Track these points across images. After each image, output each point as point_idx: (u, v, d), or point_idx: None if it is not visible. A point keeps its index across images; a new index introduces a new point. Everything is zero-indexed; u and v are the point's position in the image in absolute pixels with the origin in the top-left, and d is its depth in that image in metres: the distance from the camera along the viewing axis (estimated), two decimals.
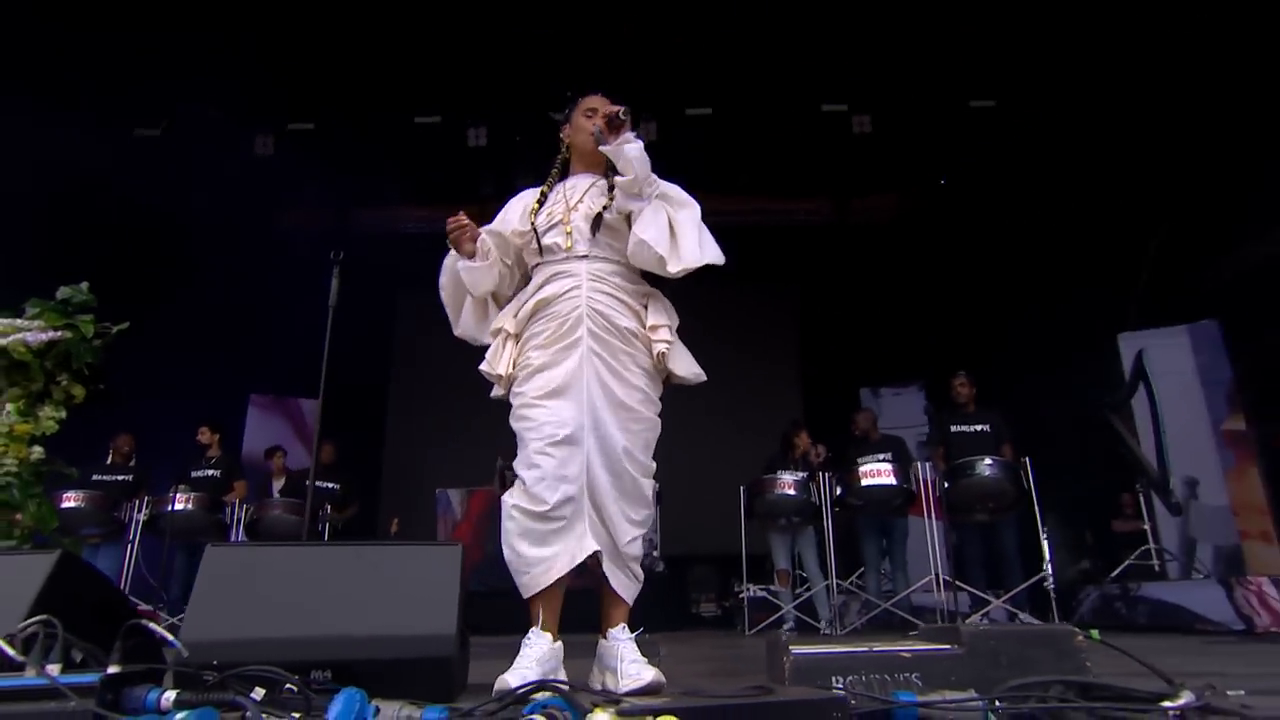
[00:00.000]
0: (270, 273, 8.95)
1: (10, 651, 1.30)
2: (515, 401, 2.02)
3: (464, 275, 2.13)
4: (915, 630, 4.44)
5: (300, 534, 5.23)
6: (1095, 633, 1.33)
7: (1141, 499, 5.63)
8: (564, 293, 2.03)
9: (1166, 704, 1.13)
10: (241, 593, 1.68)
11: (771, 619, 5.08)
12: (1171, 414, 6.13)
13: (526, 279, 2.18)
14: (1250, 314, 6.45)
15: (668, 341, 2.04)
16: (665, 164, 7.69)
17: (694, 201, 2.09)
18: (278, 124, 7.93)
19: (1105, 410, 5.91)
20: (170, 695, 1.32)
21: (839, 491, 4.89)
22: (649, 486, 1.98)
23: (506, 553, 1.90)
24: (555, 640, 1.84)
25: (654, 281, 2.16)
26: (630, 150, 1.99)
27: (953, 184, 8.49)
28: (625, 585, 1.92)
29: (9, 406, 2.49)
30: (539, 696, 1.16)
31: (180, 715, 1.19)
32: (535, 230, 2.11)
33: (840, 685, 1.25)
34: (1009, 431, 4.96)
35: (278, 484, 6.14)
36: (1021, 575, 4.67)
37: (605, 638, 1.89)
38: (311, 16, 6.74)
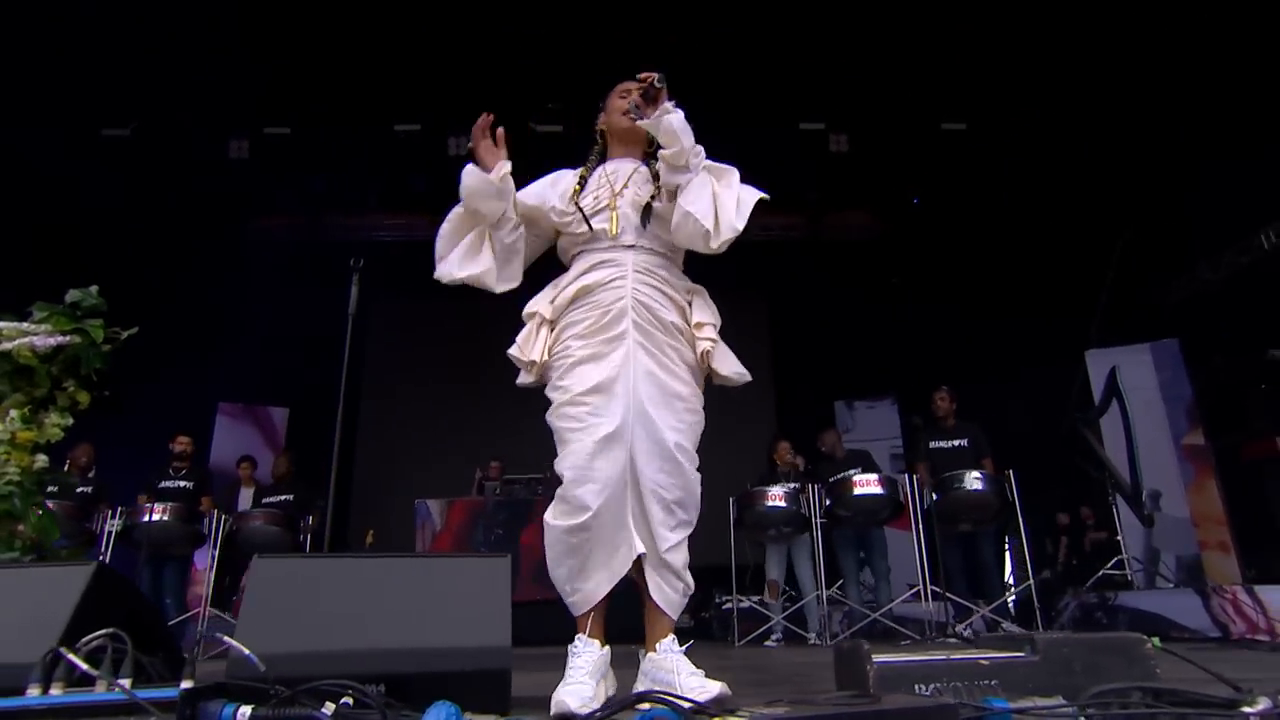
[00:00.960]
0: (240, 278, 8.76)
1: (84, 665, 1.26)
2: (556, 396, 1.91)
3: (473, 189, 1.99)
4: (905, 640, 4.55)
5: (280, 545, 5.12)
6: (1157, 640, 1.38)
7: (1115, 510, 5.81)
8: (608, 281, 1.92)
9: (1246, 709, 1.18)
10: (291, 605, 1.64)
11: (761, 630, 5.12)
12: (1137, 429, 6.36)
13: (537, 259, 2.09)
14: (1206, 333, 6.75)
15: (712, 340, 1.95)
16: None
17: (733, 168, 1.98)
18: (253, 128, 7.78)
19: (1078, 425, 6.10)
20: (246, 711, 1.29)
21: (827, 503, 4.96)
22: (697, 481, 1.88)
23: (550, 571, 1.84)
24: (603, 646, 1.78)
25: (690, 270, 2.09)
26: (673, 121, 1.86)
27: (925, 203, 8.71)
28: (667, 598, 1.81)
29: (13, 413, 2.40)
30: (643, 708, 1.16)
31: None
32: (582, 212, 1.98)
33: (925, 692, 1.27)
34: (989, 446, 5.10)
35: (246, 493, 5.99)
36: (1001, 585, 4.80)
37: (654, 650, 1.77)
38: (292, 20, 6.64)
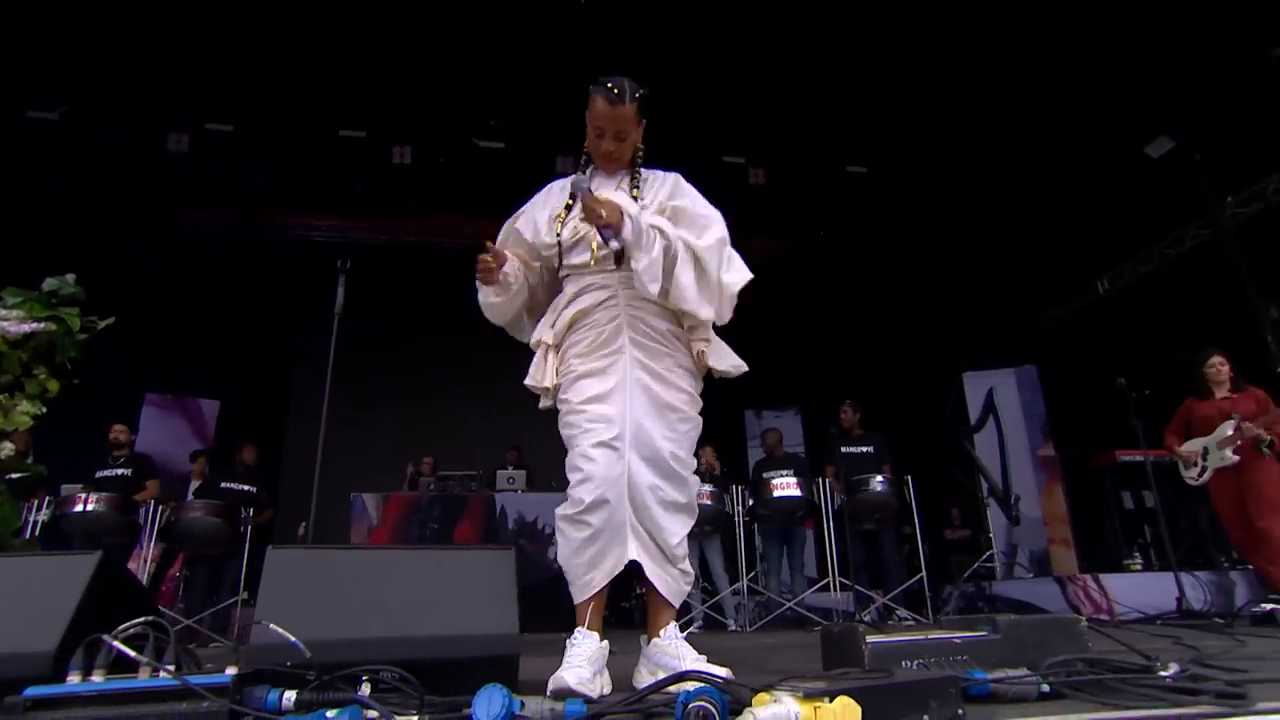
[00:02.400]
0: (170, 270, 8.20)
1: (131, 653, 1.18)
2: (561, 408, 1.91)
3: (488, 311, 2.07)
4: (817, 627, 4.73)
5: (220, 537, 4.83)
6: (1084, 621, 1.53)
7: (986, 511, 6.24)
8: (600, 303, 1.92)
9: (1162, 673, 1.34)
10: (306, 595, 1.59)
11: (682, 620, 5.19)
12: (992, 441, 6.88)
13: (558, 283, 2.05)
14: (1058, 360, 7.39)
15: (706, 340, 1.94)
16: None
17: (714, 231, 1.95)
18: (194, 122, 7.34)
19: (961, 438, 6.52)
20: (290, 696, 1.25)
21: (750, 502, 5.11)
22: (695, 484, 1.89)
23: (559, 559, 1.83)
24: (601, 639, 1.75)
25: None
26: (627, 238, 1.80)
27: (828, 235, 9.09)
28: (671, 588, 1.81)
29: None
30: (686, 687, 1.19)
31: (331, 714, 1.13)
32: (560, 245, 1.96)
33: (911, 667, 1.37)
34: (889, 453, 5.39)
35: (194, 485, 5.62)
36: (899, 577, 5.08)
37: (659, 636, 1.79)
38: (243, 20, 6.32)
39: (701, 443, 5.46)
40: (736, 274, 1.97)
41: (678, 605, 1.83)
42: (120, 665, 1.26)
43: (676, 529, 1.81)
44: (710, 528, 5.20)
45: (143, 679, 1.16)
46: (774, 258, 9.77)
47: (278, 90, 6.95)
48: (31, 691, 1.09)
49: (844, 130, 7.67)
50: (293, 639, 1.34)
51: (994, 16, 5.91)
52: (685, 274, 1.86)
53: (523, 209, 2.11)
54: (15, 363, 2.27)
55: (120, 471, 5.06)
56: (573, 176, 2.02)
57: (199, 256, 8.27)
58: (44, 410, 2.30)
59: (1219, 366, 4.12)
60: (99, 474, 4.97)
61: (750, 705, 1.11)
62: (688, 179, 2.11)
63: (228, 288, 8.48)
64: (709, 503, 5.02)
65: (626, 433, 1.81)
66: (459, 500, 6.30)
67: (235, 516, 4.91)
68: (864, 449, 5.33)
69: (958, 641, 1.42)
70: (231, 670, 1.21)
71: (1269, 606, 3.34)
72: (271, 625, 1.34)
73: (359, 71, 6.94)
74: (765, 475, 5.38)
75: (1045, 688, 1.29)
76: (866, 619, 4.69)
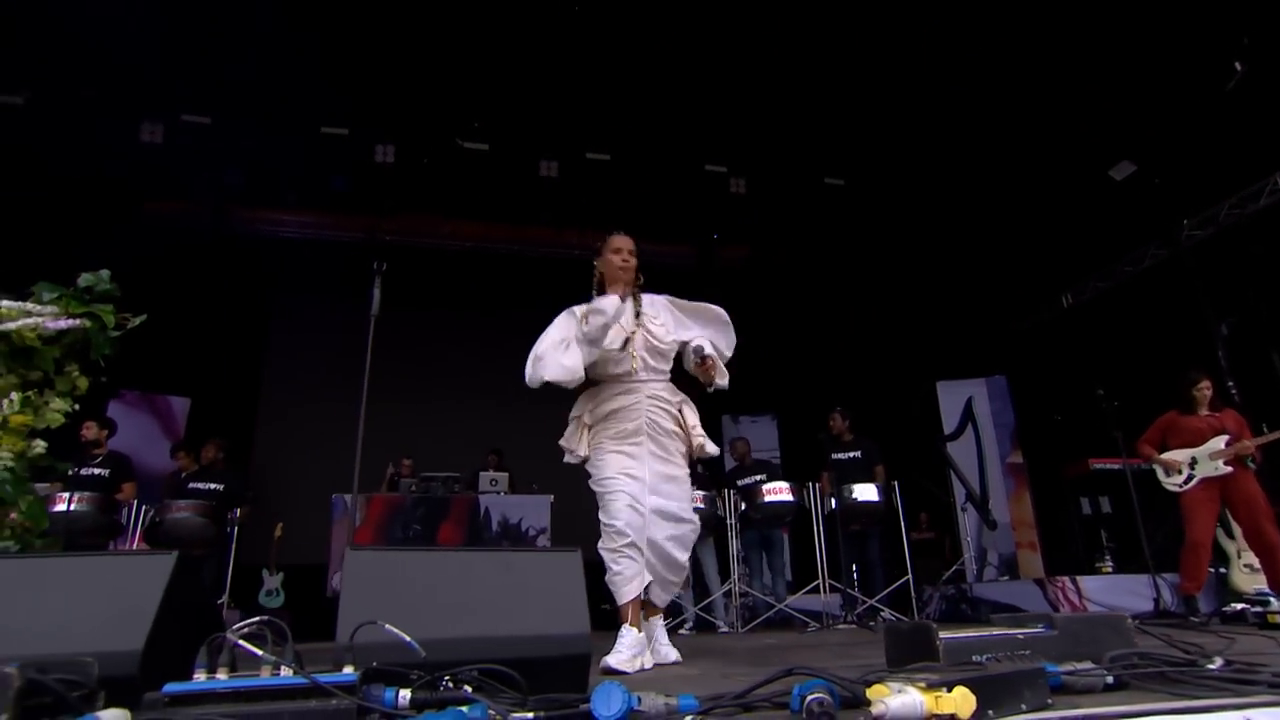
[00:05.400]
0: (138, 263, 7.93)
1: (259, 651, 1.20)
2: (594, 473, 2.66)
3: (565, 368, 2.60)
4: (808, 627, 4.85)
5: (205, 537, 4.72)
6: (1131, 619, 1.65)
7: (960, 516, 6.46)
8: (630, 405, 2.66)
9: (1209, 665, 1.46)
10: (386, 596, 1.60)
11: (675, 621, 5.28)
12: (969, 448, 7.12)
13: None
14: (1027, 371, 7.69)
15: (702, 435, 2.75)
16: (561, 201, 7.76)
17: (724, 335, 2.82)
18: (170, 113, 7.13)
19: (938, 445, 6.74)
20: (406, 694, 1.27)
21: (743, 507, 5.20)
22: (694, 522, 2.69)
23: (607, 580, 2.58)
24: (640, 631, 2.49)
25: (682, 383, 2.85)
26: (724, 383, 2.71)
27: (803, 244, 9.27)
28: (662, 598, 2.71)
29: (13, 395, 2.14)
30: (795, 681, 1.26)
31: (466, 709, 1.17)
32: (601, 363, 2.69)
33: (982, 660, 1.46)
34: (880, 457, 5.56)
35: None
36: (884, 580, 5.24)
37: (646, 622, 2.62)
38: (227, 11, 6.18)
39: None
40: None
41: (663, 606, 2.75)
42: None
43: (681, 553, 2.65)
44: (702, 531, 5.27)
45: (266, 677, 1.18)
46: (752, 265, 9.94)
47: (260, 84, 6.80)
48: (171, 688, 1.10)
49: (823, 143, 7.86)
50: (407, 639, 1.36)
51: (972, 43, 6.15)
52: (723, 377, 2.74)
53: (563, 324, 2.75)
54: (49, 359, 2.21)
55: (97, 472, 4.89)
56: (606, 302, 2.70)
57: (167, 250, 8.02)
58: (75, 408, 2.25)
59: (1206, 390, 4.48)
60: (77, 473, 4.79)
61: (867, 697, 1.18)
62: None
63: (198, 283, 8.26)
64: (702, 506, 5.10)
65: (646, 499, 2.58)
66: (442, 502, 6.27)
67: (220, 516, 4.80)
68: (853, 454, 5.48)
69: (1020, 637, 1.52)
70: (349, 669, 1.24)
71: (1239, 607, 3.58)
72: (387, 626, 1.36)
73: (343, 68, 6.84)
74: (741, 482, 5.47)
75: (1110, 679, 1.39)
76: (853, 619, 4.82)
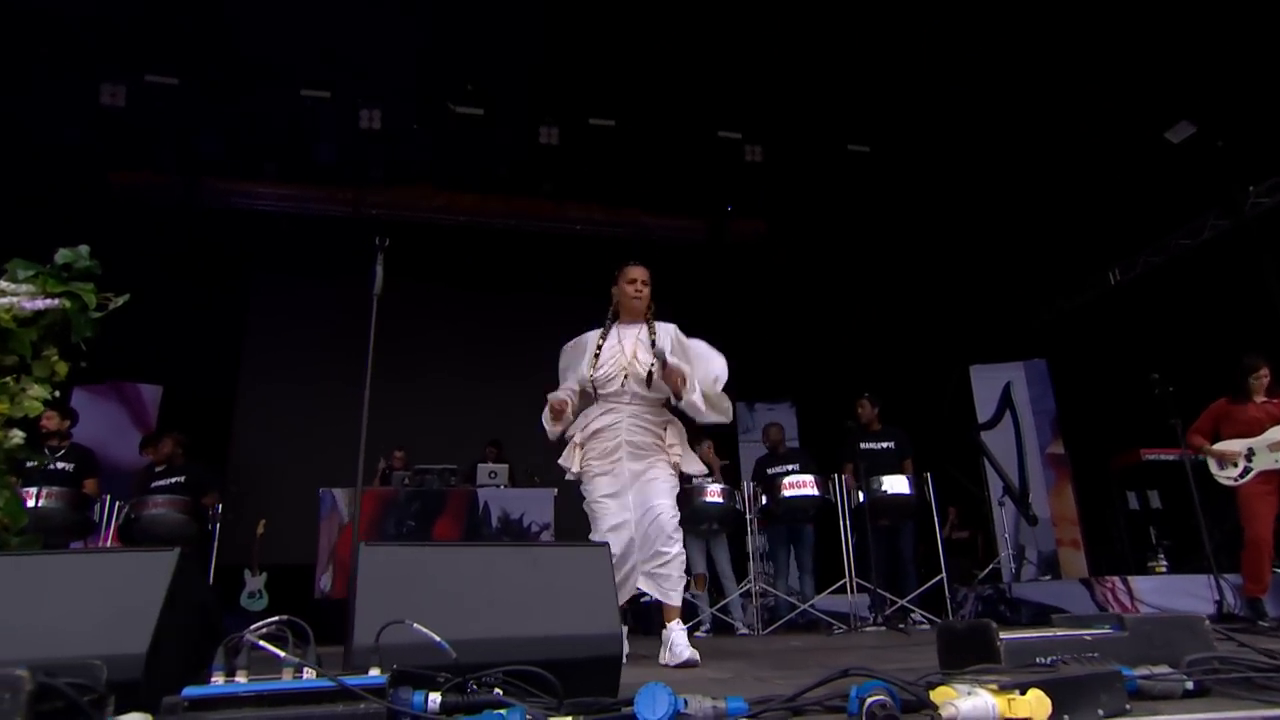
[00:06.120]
0: (104, 239, 7.91)
1: (282, 654, 1.21)
2: (587, 494, 3.18)
3: (548, 431, 3.24)
4: (835, 629, 4.88)
5: (187, 534, 4.75)
6: (1208, 621, 1.66)
7: (993, 511, 6.46)
8: (611, 425, 3.15)
9: None
10: (405, 594, 1.61)
11: (691, 624, 5.31)
12: (1008, 438, 7.14)
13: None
14: (1069, 354, 7.68)
15: (680, 454, 3.19)
16: (562, 171, 7.71)
17: (715, 367, 3.19)
18: (132, 73, 7.08)
19: (973, 435, 6.75)
20: (436, 698, 1.29)
21: (764, 501, 5.23)
22: (679, 535, 3.05)
23: None
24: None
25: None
26: (694, 399, 3.03)
27: (824, 218, 9.23)
28: (660, 590, 3.00)
29: None
30: (851, 683, 1.27)
31: (504, 713, 1.18)
32: (594, 384, 3.19)
33: (1046, 663, 1.47)
34: (911, 447, 5.58)
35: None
36: (915, 578, 5.27)
37: (665, 627, 2.97)
38: None
39: (698, 438, 5.61)
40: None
41: (675, 606, 2.98)
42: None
43: (671, 548, 3.01)
44: (717, 526, 5.32)
45: (288, 680, 1.19)
46: (768, 240, 9.90)
47: (231, 41, 6.74)
48: (191, 691, 1.11)
49: (846, 105, 7.76)
50: (437, 639, 1.37)
51: None
52: (699, 398, 3.08)
53: (569, 352, 3.39)
54: (25, 343, 2.21)
55: (61, 466, 4.89)
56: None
57: (133, 224, 8.00)
58: (55, 395, 2.26)
59: (1264, 377, 4.50)
60: (46, 467, 4.81)
61: (932, 700, 1.19)
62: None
63: (170, 260, 8.25)
64: (719, 500, 5.13)
65: (631, 519, 3.06)
66: (437, 496, 6.30)
67: (199, 512, 4.83)
68: (884, 444, 5.49)
69: (1088, 638, 1.53)
70: (375, 671, 1.25)
71: None
72: (415, 625, 1.37)
73: (323, 21, 6.76)
74: (771, 472, 5.50)
75: (1190, 684, 1.40)
76: (881, 621, 4.85)
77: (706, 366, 3.14)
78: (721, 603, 5.43)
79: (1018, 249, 8.29)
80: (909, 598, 5.15)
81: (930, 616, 5.16)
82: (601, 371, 3.15)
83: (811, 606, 5.28)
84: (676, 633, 2.91)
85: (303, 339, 9.10)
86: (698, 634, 5.26)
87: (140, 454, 6.04)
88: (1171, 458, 5.20)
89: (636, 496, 3.05)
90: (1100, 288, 8.06)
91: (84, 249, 2.31)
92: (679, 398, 3.02)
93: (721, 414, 3.14)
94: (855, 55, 7.07)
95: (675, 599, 2.96)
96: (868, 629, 4.86)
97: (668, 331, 3.21)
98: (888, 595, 5.09)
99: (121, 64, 6.99)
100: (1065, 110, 6.97)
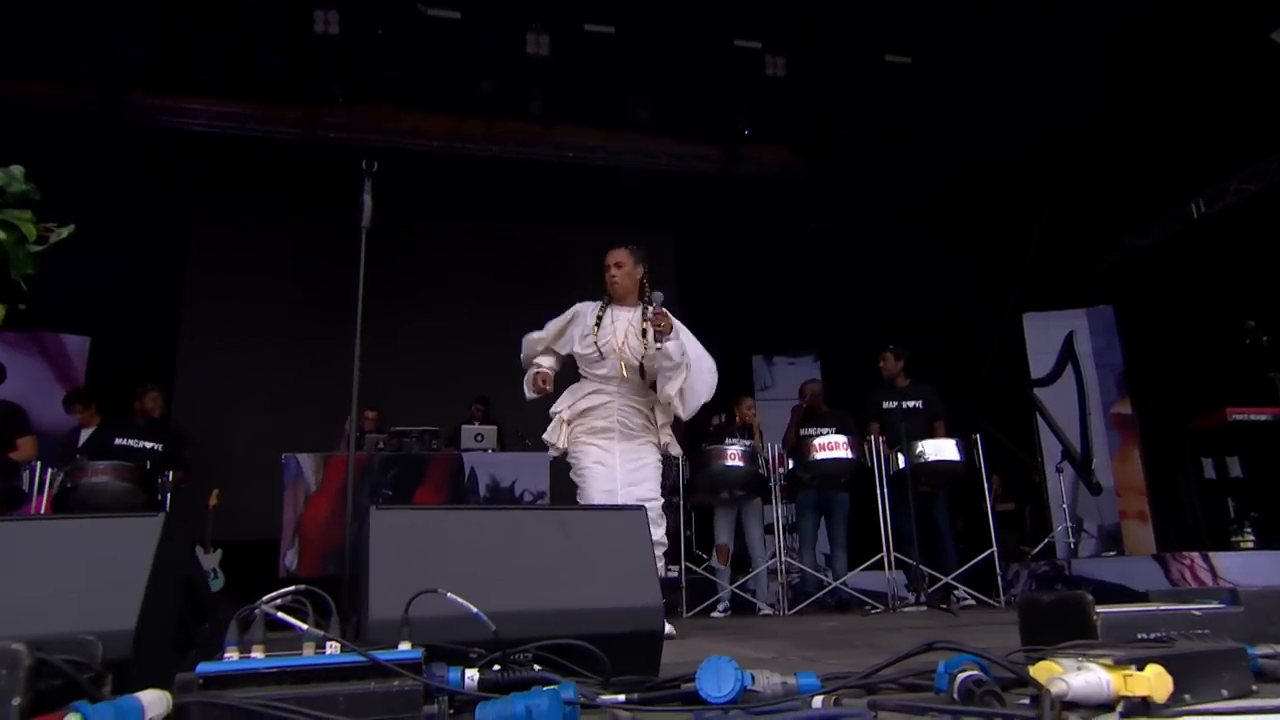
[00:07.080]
0: (9, 161, 7.79)
1: (304, 626, 1.23)
2: (573, 463, 3.65)
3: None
4: (871, 609, 4.98)
5: (133, 505, 4.78)
6: None
7: (1060, 478, 6.51)
8: (602, 404, 3.64)
9: None
10: (423, 564, 1.64)
11: (710, 601, 5.44)
12: (1068, 395, 7.19)
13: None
14: (1139, 301, 7.69)
15: (668, 437, 3.74)
16: (553, 87, 7.64)
17: (705, 364, 3.66)
18: None
19: (1027, 392, 6.79)
20: (473, 675, 1.32)
21: (790, 464, 5.29)
22: (659, 507, 3.56)
23: None
24: None
25: None
26: (672, 349, 3.48)
27: (855, 143, 9.12)
28: None
29: None
30: (938, 657, 1.31)
31: (554, 689, 1.21)
32: (600, 351, 3.61)
33: (1148, 639, 1.51)
34: (944, 408, 5.62)
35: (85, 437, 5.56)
36: (955, 552, 5.37)
37: None
38: None
39: (740, 395, 5.75)
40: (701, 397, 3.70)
41: None
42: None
43: (654, 533, 3.09)
44: (741, 493, 5.39)
45: (312, 655, 1.21)
46: (782, 173, 9.79)
47: None
48: (206, 668, 1.13)
49: (884, 7, 7.59)
50: (475, 610, 1.40)
51: None
52: (678, 379, 3.58)
53: (560, 321, 3.81)
54: None
55: None
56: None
57: (50, 146, 7.86)
58: None
59: None
60: None
61: (1033, 675, 1.23)
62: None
63: (93, 190, 8.13)
64: (739, 464, 5.18)
65: (617, 484, 3.52)
66: (416, 461, 6.34)
67: (149, 481, 4.87)
68: (911, 403, 5.53)
69: (1197, 614, 1.57)
70: (405, 645, 1.28)
71: None
72: (450, 596, 1.39)
73: None
74: (804, 433, 5.56)
75: None
76: (924, 601, 4.95)
77: (695, 384, 3.60)
78: (742, 579, 5.52)
79: (1080, 176, 8.23)
80: (954, 574, 5.25)
81: (979, 595, 5.27)
82: (592, 352, 3.61)
83: (844, 584, 5.37)
84: None
85: (254, 284, 9.05)
86: (715, 614, 5.38)
87: (66, 411, 6.03)
88: (1265, 418, 5.26)
89: (624, 476, 3.53)
90: (1181, 222, 7.97)
91: (17, 170, 2.28)
92: (661, 338, 3.46)
93: (686, 414, 3.69)
94: None
95: None
96: (907, 609, 4.96)
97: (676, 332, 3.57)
98: (930, 571, 5.18)
99: None
100: (1143, 6, 6.77)
